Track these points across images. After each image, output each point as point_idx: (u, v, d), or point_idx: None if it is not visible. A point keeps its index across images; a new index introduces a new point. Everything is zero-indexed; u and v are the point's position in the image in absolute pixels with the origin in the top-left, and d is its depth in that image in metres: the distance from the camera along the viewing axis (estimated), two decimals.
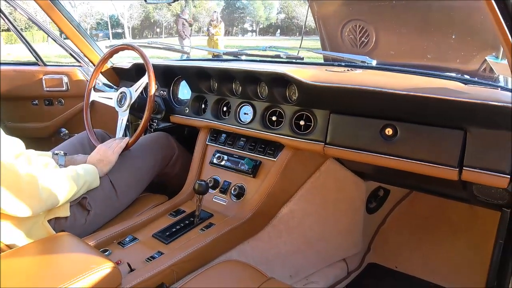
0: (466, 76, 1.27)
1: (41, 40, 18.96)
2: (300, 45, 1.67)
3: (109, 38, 28.12)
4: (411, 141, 1.10)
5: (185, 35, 10.42)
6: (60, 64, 2.45)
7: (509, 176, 0.96)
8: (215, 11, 11.76)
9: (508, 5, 0.67)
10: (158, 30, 34.46)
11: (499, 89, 1.04)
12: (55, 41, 2.11)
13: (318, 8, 2.20)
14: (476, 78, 1.24)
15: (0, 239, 1.07)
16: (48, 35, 2.16)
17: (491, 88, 1.07)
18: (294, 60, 1.62)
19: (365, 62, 1.43)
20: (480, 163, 1.00)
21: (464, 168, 1.02)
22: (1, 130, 1.06)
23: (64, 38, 2.11)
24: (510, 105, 0.92)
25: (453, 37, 1.31)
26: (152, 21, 33.84)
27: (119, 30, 32.18)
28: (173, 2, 1.65)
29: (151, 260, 1.14)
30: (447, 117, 1.05)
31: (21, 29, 2.66)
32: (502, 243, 1.12)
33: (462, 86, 1.11)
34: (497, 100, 0.95)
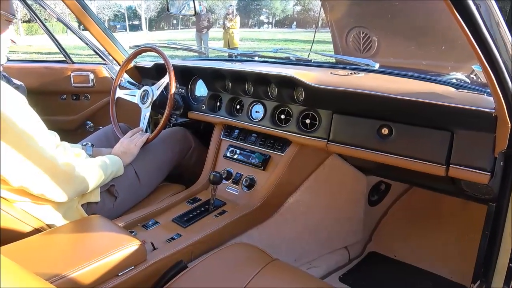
0: (460, 81, 1.37)
1: (60, 31, 19.27)
2: (311, 48, 1.77)
3: (126, 30, 28.39)
4: (404, 140, 1.20)
5: (203, 28, 10.45)
6: (84, 60, 2.60)
7: (489, 173, 1.06)
8: (231, 5, 11.79)
9: (476, 24, 0.77)
10: (174, 21, 34.52)
11: (485, 94, 1.12)
12: (81, 39, 2.24)
13: (330, 8, 2.29)
14: (469, 83, 1.34)
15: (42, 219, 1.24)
16: (76, 35, 2.29)
17: (478, 93, 1.14)
18: (302, 62, 1.73)
19: (368, 65, 1.53)
20: (464, 161, 1.10)
21: (450, 165, 1.12)
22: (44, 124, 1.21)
23: (82, 30, 2.24)
24: (491, 110, 1.02)
25: (443, 48, 1.41)
26: None
27: (136, 22, 32.41)
28: (194, 15, 1.76)
29: (171, 241, 1.27)
30: (435, 120, 1.15)
31: (45, 19, 2.83)
32: (488, 234, 1.21)
33: (452, 91, 1.20)
34: (480, 105, 1.04)
